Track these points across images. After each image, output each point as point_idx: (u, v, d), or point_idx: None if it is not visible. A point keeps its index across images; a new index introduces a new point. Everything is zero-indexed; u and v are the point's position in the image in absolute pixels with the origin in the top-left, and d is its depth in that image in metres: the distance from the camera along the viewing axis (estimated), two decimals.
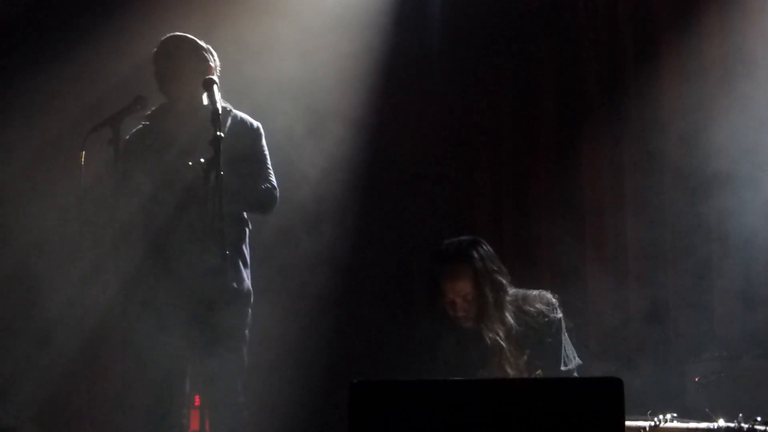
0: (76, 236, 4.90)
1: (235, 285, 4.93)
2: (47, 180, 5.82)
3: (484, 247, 4.69)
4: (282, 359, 6.02)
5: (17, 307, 5.58)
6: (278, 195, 5.10)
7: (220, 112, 4.55)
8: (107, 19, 6.04)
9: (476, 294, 4.59)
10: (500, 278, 4.66)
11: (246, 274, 5.04)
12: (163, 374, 4.90)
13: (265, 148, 5.13)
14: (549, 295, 4.78)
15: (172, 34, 5.05)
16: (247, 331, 5.02)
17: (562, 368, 4.67)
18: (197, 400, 5.18)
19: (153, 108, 5.11)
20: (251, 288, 5.05)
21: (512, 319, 4.64)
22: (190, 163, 4.56)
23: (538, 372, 4.63)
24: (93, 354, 5.38)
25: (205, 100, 4.93)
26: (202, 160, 4.41)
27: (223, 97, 4.87)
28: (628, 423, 4.29)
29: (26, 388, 5.42)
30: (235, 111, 5.10)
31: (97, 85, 5.84)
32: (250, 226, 5.11)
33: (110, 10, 6.09)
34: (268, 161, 5.12)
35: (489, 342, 4.55)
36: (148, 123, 5.10)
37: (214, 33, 6.01)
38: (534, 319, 4.68)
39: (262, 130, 5.15)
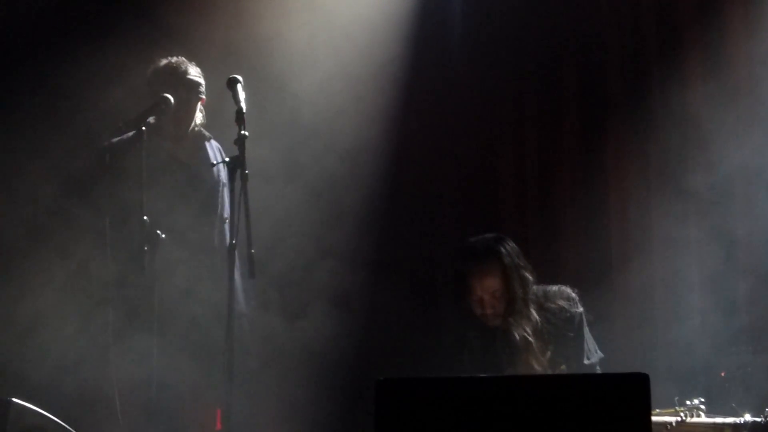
0: (105, 237, 4.94)
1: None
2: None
3: (510, 244, 4.72)
4: (308, 357, 6.04)
5: (44, 308, 5.62)
6: None
7: (244, 111, 4.59)
8: (123, 20, 6.07)
9: (505, 290, 4.61)
10: (527, 274, 4.69)
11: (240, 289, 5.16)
12: (184, 383, 4.98)
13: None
14: (569, 290, 4.81)
15: (162, 61, 5.17)
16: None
17: (586, 362, 4.69)
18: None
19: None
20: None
21: (536, 315, 4.66)
22: (214, 163, 4.59)
23: (562, 367, 4.65)
24: (116, 355, 5.41)
25: (198, 119, 5.18)
26: (228, 159, 4.44)
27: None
28: (654, 418, 4.29)
29: (54, 387, 5.45)
30: (213, 141, 5.26)
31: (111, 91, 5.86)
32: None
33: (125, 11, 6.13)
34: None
35: (517, 338, 4.56)
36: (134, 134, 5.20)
37: (236, 37, 6.07)
38: (556, 316, 4.71)
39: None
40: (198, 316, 5.07)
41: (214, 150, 5.33)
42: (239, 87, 4.74)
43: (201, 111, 5.29)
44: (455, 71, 6.89)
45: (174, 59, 5.24)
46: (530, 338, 4.58)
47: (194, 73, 5.23)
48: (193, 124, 5.27)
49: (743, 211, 6.17)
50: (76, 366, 5.46)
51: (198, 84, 5.22)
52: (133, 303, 4.97)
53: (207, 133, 5.33)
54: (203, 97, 5.26)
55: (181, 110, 5.14)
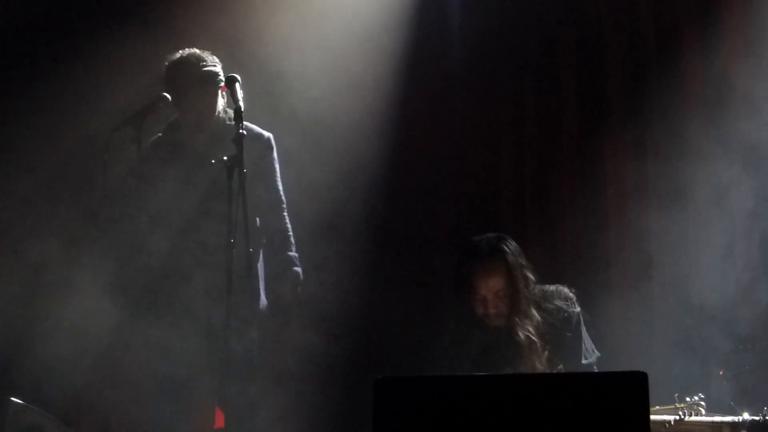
0: (100, 236, 4.95)
1: (254, 301, 5.05)
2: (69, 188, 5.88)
3: (513, 243, 4.70)
4: (307, 357, 6.04)
5: (43, 310, 5.63)
6: (286, 212, 5.31)
7: (242, 109, 4.59)
8: (125, 22, 6.06)
9: (509, 289, 4.58)
10: (529, 273, 4.67)
11: (262, 289, 5.15)
12: (184, 374, 4.98)
13: (276, 160, 5.28)
14: (566, 290, 4.79)
15: (176, 54, 5.14)
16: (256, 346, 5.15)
17: (583, 362, 4.68)
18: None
19: (169, 120, 5.22)
20: (266, 302, 5.16)
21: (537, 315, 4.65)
22: (213, 161, 4.59)
23: (560, 367, 4.64)
24: (116, 354, 5.42)
25: (220, 106, 5.15)
26: (225, 158, 4.44)
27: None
28: (653, 417, 4.30)
29: (54, 387, 5.45)
30: (245, 122, 5.21)
31: (117, 92, 5.86)
32: (264, 240, 5.22)
33: (128, 14, 6.11)
34: (278, 174, 5.28)
35: (522, 338, 4.53)
36: (161, 135, 5.21)
37: (233, 32, 6.06)
38: (553, 316, 4.68)
39: (272, 142, 5.28)
40: (198, 310, 5.06)
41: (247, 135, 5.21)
42: (237, 86, 4.75)
43: (222, 98, 5.20)
44: (454, 71, 6.89)
45: (187, 51, 5.17)
46: (534, 338, 4.56)
47: (210, 63, 5.17)
48: (217, 113, 5.19)
49: (742, 214, 6.17)
50: (76, 368, 5.47)
51: (215, 74, 5.13)
52: (133, 296, 4.99)
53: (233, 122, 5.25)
54: (223, 84, 5.17)
55: (200, 103, 5.10)
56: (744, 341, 5.86)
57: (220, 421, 5.04)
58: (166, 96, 5.00)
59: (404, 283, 6.52)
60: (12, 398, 4.80)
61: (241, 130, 4.49)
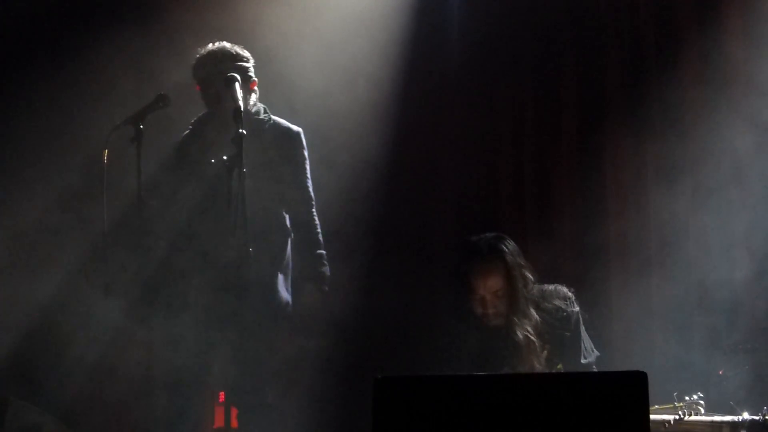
0: (100, 236, 4.96)
1: (269, 299, 5.03)
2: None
3: (512, 243, 4.69)
4: (305, 355, 6.04)
5: (43, 306, 5.63)
6: (314, 209, 5.30)
7: (241, 109, 4.59)
8: (124, 20, 6.06)
9: (508, 289, 4.57)
10: (528, 273, 4.66)
11: (285, 286, 5.14)
12: (187, 370, 4.98)
13: (306, 157, 5.23)
14: (565, 289, 4.78)
15: (206, 48, 5.11)
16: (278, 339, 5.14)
17: (582, 361, 4.67)
18: (221, 397, 5.22)
19: (200, 114, 5.22)
20: (289, 299, 5.15)
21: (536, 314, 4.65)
22: (213, 161, 4.59)
23: (559, 366, 4.63)
24: (117, 353, 5.42)
25: (251, 101, 5.11)
26: (225, 157, 4.43)
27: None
28: (653, 416, 4.30)
29: (52, 385, 5.46)
30: (274, 117, 5.20)
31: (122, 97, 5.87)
32: (293, 235, 5.21)
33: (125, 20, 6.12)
34: (308, 170, 5.24)
35: (521, 337, 4.53)
36: (191, 128, 5.22)
37: (233, 30, 6.06)
38: (552, 315, 4.68)
39: (302, 136, 5.25)
40: (200, 309, 5.06)
41: (276, 130, 5.22)
42: (237, 85, 4.75)
43: (255, 92, 5.17)
44: (454, 71, 6.88)
45: (217, 45, 5.14)
46: (532, 337, 4.55)
47: (238, 57, 5.13)
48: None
49: (742, 210, 6.16)
50: (75, 366, 5.47)
51: (244, 69, 5.09)
52: (134, 295, 5.00)
53: (263, 116, 5.21)
54: (254, 79, 5.15)
55: (225, 98, 5.05)
56: (744, 340, 5.86)
57: (219, 420, 5.05)
58: (165, 95, 5.00)
59: (404, 283, 6.52)
60: (12, 398, 4.80)
61: (241, 130, 4.49)
